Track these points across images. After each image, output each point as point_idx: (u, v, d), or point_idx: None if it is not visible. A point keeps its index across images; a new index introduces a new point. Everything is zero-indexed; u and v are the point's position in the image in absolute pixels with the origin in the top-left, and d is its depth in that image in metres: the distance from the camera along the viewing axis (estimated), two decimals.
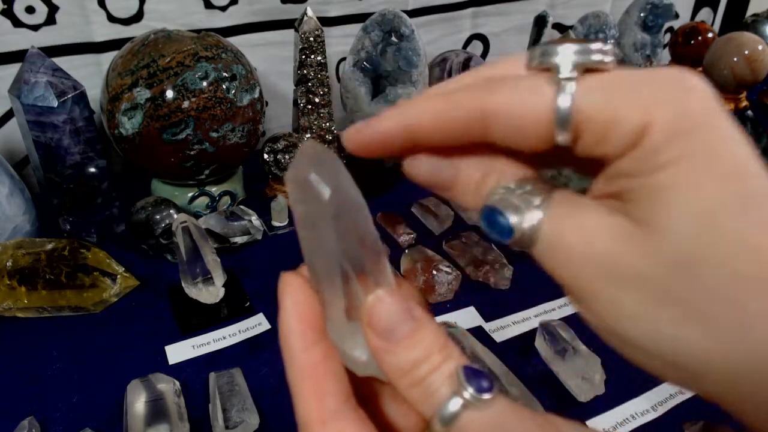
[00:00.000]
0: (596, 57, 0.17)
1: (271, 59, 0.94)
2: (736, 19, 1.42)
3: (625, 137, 0.16)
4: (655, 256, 0.16)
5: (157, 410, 0.50)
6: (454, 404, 0.17)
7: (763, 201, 0.15)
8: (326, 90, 0.85)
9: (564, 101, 0.17)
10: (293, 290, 0.19)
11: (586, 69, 0.17)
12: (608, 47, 0.17)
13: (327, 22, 0.97)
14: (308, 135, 0.86)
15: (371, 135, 0.20)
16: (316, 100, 0.85)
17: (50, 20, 0.78)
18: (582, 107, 0.17)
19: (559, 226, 0.18)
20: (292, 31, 0.85)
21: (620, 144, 0.17)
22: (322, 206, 0.18)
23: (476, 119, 0.18)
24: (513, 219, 0.18)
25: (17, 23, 0.76)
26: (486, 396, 0.17)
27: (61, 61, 0.72)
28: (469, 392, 0.17)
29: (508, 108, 0.17)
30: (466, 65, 0.98)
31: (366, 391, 0.21)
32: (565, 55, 0.17)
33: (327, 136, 0.85)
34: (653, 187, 0.16)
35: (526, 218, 0.18)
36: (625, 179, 0.17)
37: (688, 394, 0.56)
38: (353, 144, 0.20)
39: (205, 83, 0.69)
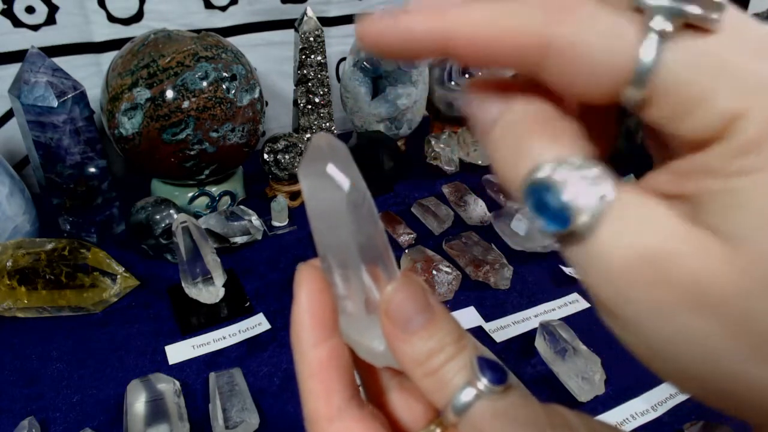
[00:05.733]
0: (699, 11, 0.14)
1: (271, 59, 0.94)
2: None
3: (710, 122, 0.14)
4: (741, 279, 0.13)
5: (157, 410, 0.50)
6: (468, 394, 0.17)
7: None
8: (326, 90, 0.85)
9: (647, 56, 0.14)
10: (309, 283, 0.19)
11: (686, 24, 0.14)
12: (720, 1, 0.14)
13: (327, 22, 0.97)
14: (308, 135, 0.86)
15: (396, 35, 0.16)
16: (316, 100, 0.85)
17: (50, 20, 0.78)
18: (667, 72, 0.14)
19: (625, 226, 0.14)
20: (292, 31, 0.85)
21: (703, 128, 0.14)
22: (341, 198, 0.18)
23: (534, 47, 0.15)
24: (574, 201, 0.14)
25: (17, 23, 0.76)
26: (499, 387, 0.17)
27: (61, 61, 0.72)
28: (483, 383, 0.17)
29: (576, 46, 0.14)
30: (466, 65, 0.98)
31: (372, 386, 0.21)
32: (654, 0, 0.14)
33: None
34: (739, 192, 0.13)
35: (590, 204, 0.14)
36: (702, 178, 0.14)
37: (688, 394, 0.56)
38: (371, 41, 0.16)
39: (205, 83, 0.69)
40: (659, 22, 0.14)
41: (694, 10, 0.14)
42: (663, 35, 0.14)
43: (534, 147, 0.15)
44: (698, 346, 0.14)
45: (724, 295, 0.13)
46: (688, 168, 0.14)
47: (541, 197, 0.15)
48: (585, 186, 0.14)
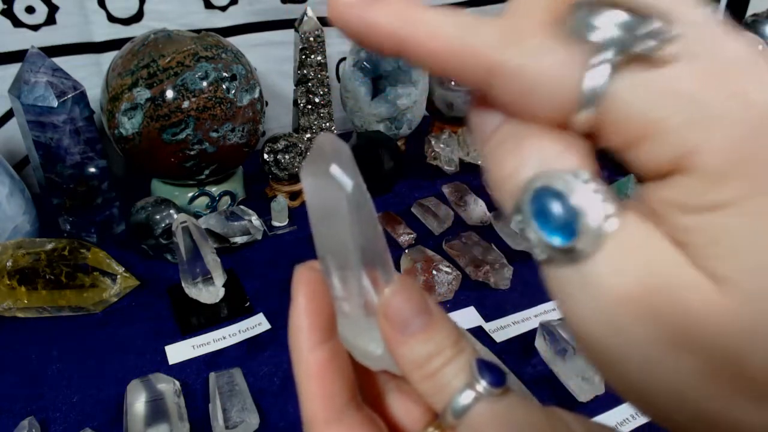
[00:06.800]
0: (646, 44, 0.13)
1: (271, 59, 0.94)
2: (736, 19, 1.42)
3: (665, 154, 0.13)
4: (730, 320, 0.13)
5: (157, 410, 0.50)
6: (467, 397, 0.17)
7: None
8: (326, 90, 0.85)
9: (591, 86, 0.13)
10: (307, 285, 0.19)
11: (638, 56, 0.13)
12: (667, 30, 0.13)
13: (327, 22, 0.96)
14: (308, 135, 0.86)
15: (361, 24, 0.16)
16: (316, 100, 0.85)
17: (50, 20, 0.78)
18: (616, 102, 0.13)
19: (626, 255, 0.14)
20: (292, 31, 0.85)
21: (658, 160, 0.13)
22: (343, 199, 0.18)
23: (483, 68, 0.15)
24: (583, 215, 0.13)
25: (17, 23, 0.76)
26: (498, 389, 0.17)
27: (61, 61, 0.72)
28: (482, 385, 0.17)
29: (523, 72, 0.14)
30: None
31: (370, 389, 0.21)
32: (607, 34, 0.13)
33: None
34: (714, 231, 0.13)
35: (596, 223, 0.13)
36: (673, 212, 0.13)
37: None
38: (338, 21, 0.16)
39: (205, 83, 0.69)
40: (608, 55, 0.13)
41: (643, 46, 0.13)
42: (612, 66, 0.13)
43: (543, 150, 0.15)
44: (682, 382, 0.14)
45: (712, 334, 0.13)
46: (658, 198, 0.14)
47: (545, 205, 0.14)
48: (594, 202, 0.14)
